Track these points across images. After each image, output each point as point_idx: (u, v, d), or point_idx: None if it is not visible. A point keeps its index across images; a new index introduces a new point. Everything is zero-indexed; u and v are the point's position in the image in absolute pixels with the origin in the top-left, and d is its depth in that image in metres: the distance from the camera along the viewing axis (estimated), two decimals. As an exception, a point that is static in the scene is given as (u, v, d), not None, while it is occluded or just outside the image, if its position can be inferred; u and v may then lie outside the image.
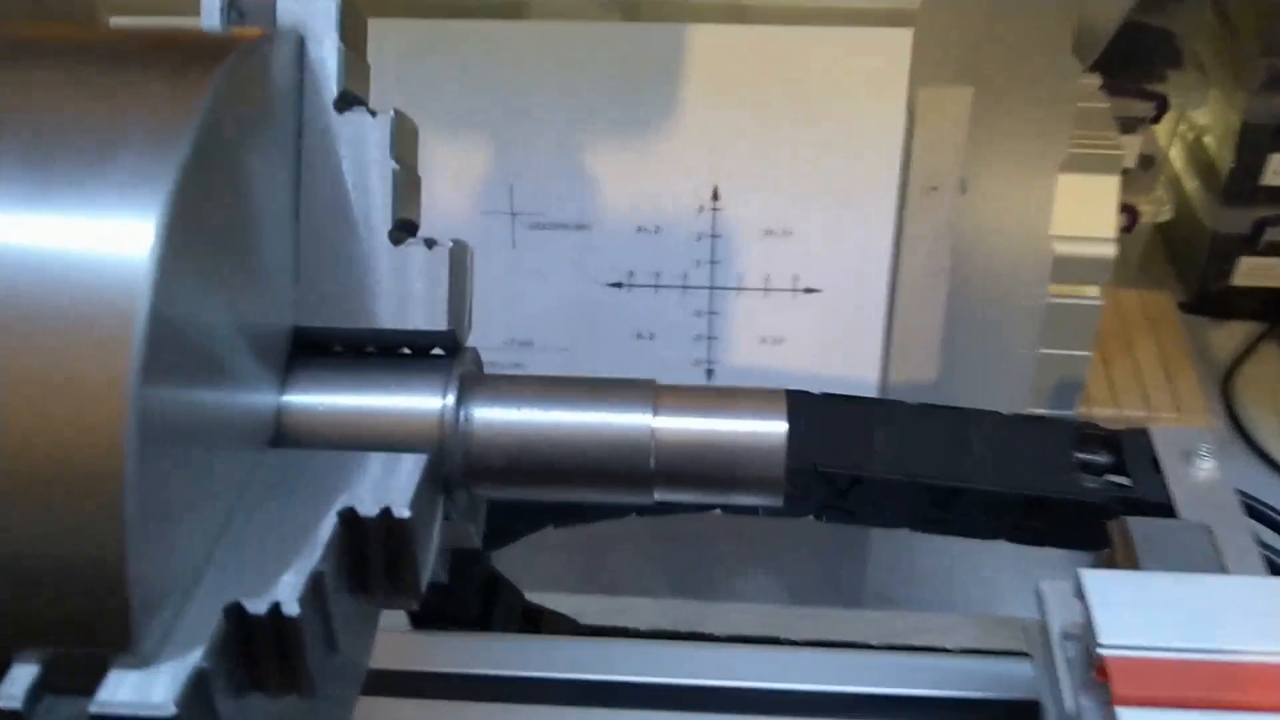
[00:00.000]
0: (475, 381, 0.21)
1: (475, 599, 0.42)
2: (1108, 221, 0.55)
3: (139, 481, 0.15)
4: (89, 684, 0.16)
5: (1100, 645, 0.21)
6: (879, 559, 0.60)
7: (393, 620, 0.39)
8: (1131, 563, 0.28)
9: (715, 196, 0.53)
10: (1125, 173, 0.78)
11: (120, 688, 0.16)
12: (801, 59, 0.50)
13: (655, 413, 0.21)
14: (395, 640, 0.38)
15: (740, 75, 0.51)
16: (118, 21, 0.52)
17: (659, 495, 0.21)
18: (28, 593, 0.16)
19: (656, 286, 0.55)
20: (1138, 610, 0.22)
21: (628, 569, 0.61)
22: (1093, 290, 0.56)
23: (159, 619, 0.16)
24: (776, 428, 0.20)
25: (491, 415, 0.21)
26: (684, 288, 0.55)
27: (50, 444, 0.16)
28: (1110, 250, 0.55)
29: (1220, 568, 0.27)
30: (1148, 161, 0.78)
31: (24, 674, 0.16)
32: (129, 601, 0.16)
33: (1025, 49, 0.50)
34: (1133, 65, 0.70)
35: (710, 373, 0.56)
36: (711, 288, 0.55)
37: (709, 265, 0.54)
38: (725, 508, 0.35)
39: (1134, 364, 0.73)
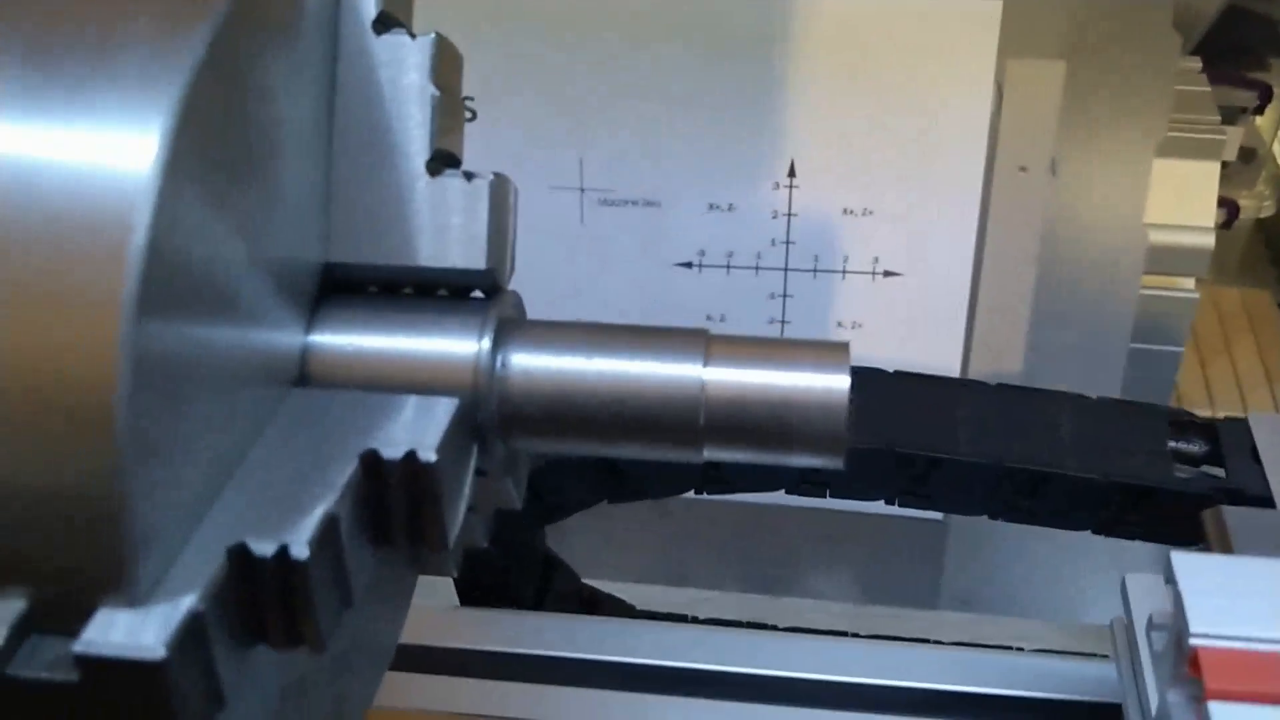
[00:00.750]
0: (514, 326, 0.20)
1: (529, 579, 0.40)
2: (1207, 210, 0.53)
3: (133, 415, 0.14)
4: (78, 625, 0.15)
5: (1192, 634, 0.19)
6: (956, 560, 0.57)
7: (439, 597, 0.38)
8: (1228, 554, 0.26)
9: (792, 173, 0.51)
10: (1225, 165, 0.74)
11: (109, 628, 0.14)
12: (885, 31, 0.48)
13: (706, 363, 0.19)
14: (441, 616, 0.37)
15: (820, 47, 0.49)
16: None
17: (708, 453, 0.19)
18: (14, 527, 0.15)
19: (729, 267, 0.53)
20: (1234, 597, 0.20)
21: (700, 562, 0.59)
22: (1188, 283, 0.53)
23: (155, 558, 0.15)
24: (838, 381, 0.18)
25: (530, 361, 0.19)
26: (757, 269, 0.53)
27: (41, 374, 0.14)
28: (1209, 240, 0.53)
29: (1329, 562, 0.25)
30: (1249, 154, 0.75)
31: (7, 612, 0.15)
32: (122, 539, 0.14)
33: (1123, 22, 0.48)
34: (1234, 52, 0.67)
35: (783, 358, 0.54)
36: (786, 269, 0.53)
37: (784, 245, 0.52)
38: (792, 484, 0.34)
39: (1231, 364, 0.70)
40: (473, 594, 0.38)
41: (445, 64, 0.20)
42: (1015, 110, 0.49)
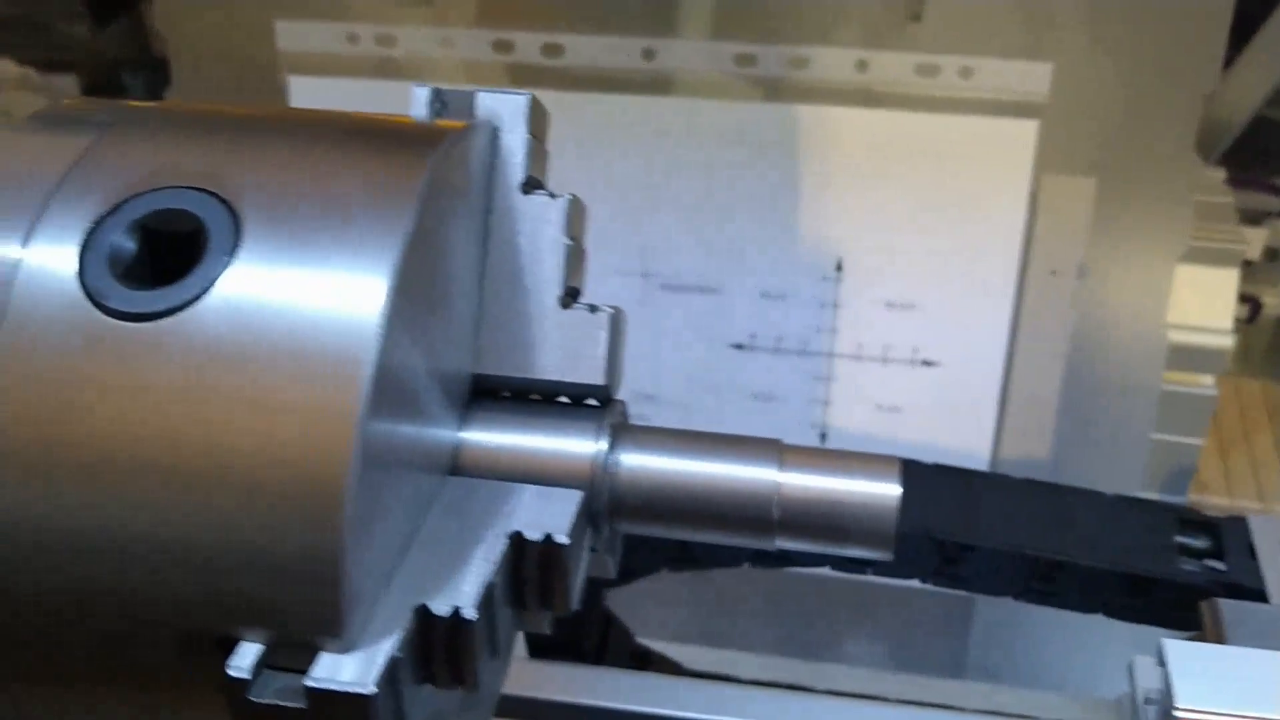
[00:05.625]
0: (623, 430, 0.24)
1: (590, 636, 0.44)
2: (1225, 313, 0.57)
3: (358, 496, 0.19)
4: (300, 663, 0.19)
5: (1176, 709, 0.23)
6: (982, 632, 0.61)
7: (513, 648, 0.42)
8: (1220, 642, 0.30)
9: (839, 268, 0.56)
10: (1250, 264, 0.79)
11: (331, 668, 0.19)
12: (931, 145, 0.53)
13: (781, 469, 0.23)
14: (515, 666, 0.41)
15: (870, 156, 0.54)
16: (297, 80, 0.57)
17: (779, 542, 0.24)
18: (260, 582, 0.19)
19: (777, 350, 0.58)
20: (1218, 680, 0.24)
21: (739, 624, 0.63)
22: (1208, 380, 0.57)
23: (361, 612, 0.19)
24: (891, 490, 0.23)
25: (636, 461, 0.24)
26: (803, 353, 0.57)
27: (289, 461, 0.19)
28: (1227, 341, 0.56)
29: (1306, 652, 0.29)
30: (1273, 254, 0.78)
31: (250, 650, 0.19)
32: (341, 595, 0.19)
33: (1150, 144, 0.52)
34: (1259, 159, 0.72)
35: (824, 436, 0.58)
36: (831, 354, 0.57)
37: (830, 333, 0.57)
38: (837, 562, 0.38)
39: (1251, 454, 0.73)
40: (542, 646, 0.43)
41: (575, 218, 0.24)
42: (1048, 220, 0.53)
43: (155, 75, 0.64)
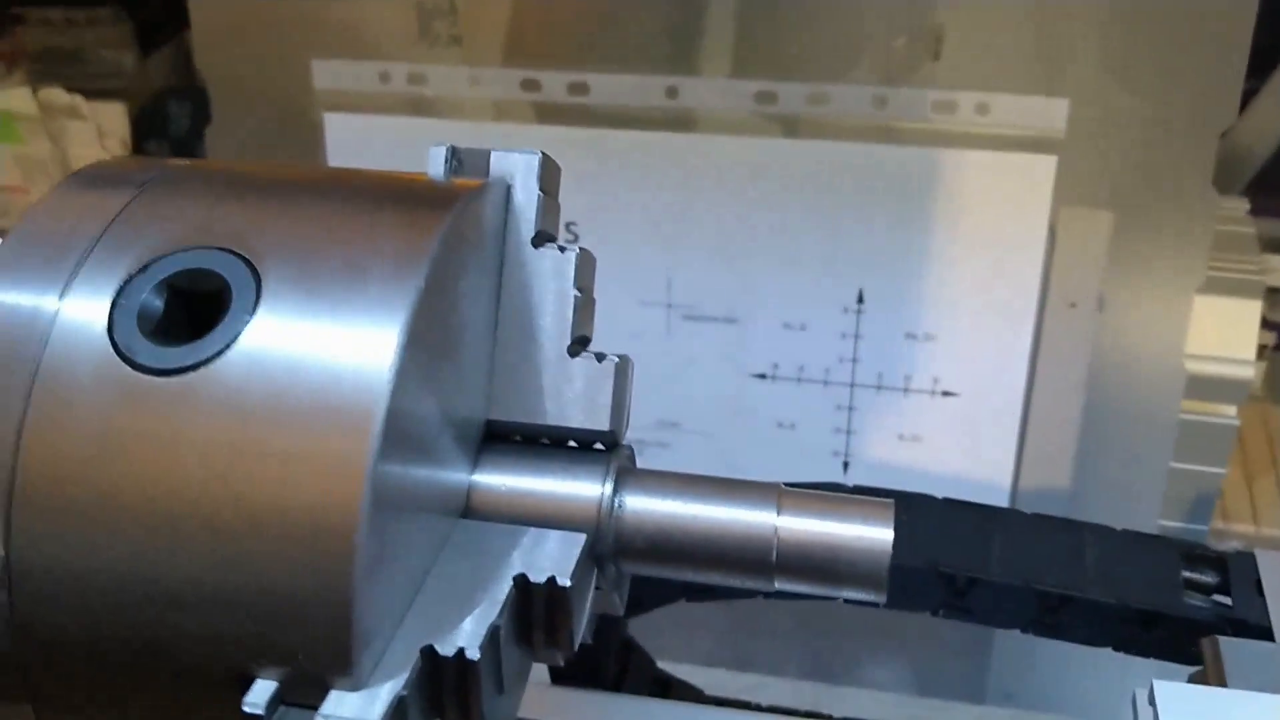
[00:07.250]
0: (628, 474, 0.25)
1: (611, 662, 0.45)
2: (1247, 344, 0.57)
3: (368, 540, 0.20)
4: (313, 700, 0.20)
5: (1164, 751, 0.24)
6: (1003, 655, 0.61)
7: (534, 675, 0.43)
8: (1220, 680, 0.30)
9: (860, 300, 0.57)
10: (1275, 291, 0.78)
11: (339, 705, 0.20)
12: (950, 180, 0.54)
13: (779, 513, 0.24)
14: (536, 693, 0.42)
15: (890, 191, 0.54)
16: (332, 117, 0.59)
17: (778, 584, 0.24)
18: (274, 622, 0.20)
19: (799, 380, 0.59)
20: (1205, 721, 0.25)
21: (761, 648, 0.64)
22: (1229, 409, 0.57)
23: (371, 651, 0.20)
24: (884, 534, 0.24)
25: (640, 504, 0.25)
26: (826, 382, 0.58)
27: (305, 508, 0.20)
28: (1248, 372, 0.57)
29: (1304, 692, 0.29)
30: (1299, 281, 0.78)
31: (265, 687, 0.20)
32: (352, 635, 0.20)
33: (1166, 177, 0.53)
34: (1282, 186, 0.72)
35: (846, 465, 0.59)
36: (852, 384, 0.58)
37: (851, 363, 0.58)
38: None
39: (1276, 480, 0.72)
40: (563, 673, 0.44)
41: (584, 270, 0.25)
42: (1066, 252, 0.54)
43: (200, 104, 0.66)
